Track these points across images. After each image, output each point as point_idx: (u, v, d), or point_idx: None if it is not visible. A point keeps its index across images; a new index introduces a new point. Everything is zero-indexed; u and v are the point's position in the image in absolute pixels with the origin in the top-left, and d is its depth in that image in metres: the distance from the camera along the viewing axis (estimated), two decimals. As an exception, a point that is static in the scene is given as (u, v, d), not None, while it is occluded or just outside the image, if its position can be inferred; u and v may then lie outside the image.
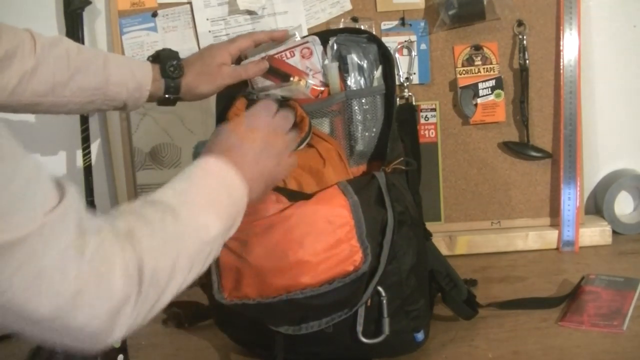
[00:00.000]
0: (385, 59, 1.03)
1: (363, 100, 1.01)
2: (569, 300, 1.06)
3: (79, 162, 1.35)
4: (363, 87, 1.01)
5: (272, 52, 1.05)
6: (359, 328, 0.89)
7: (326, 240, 0.85)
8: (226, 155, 0.78)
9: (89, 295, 0.62)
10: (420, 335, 0.93)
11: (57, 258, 0.60)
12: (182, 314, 1.09)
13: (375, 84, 1.02)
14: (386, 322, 0.89)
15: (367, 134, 1.02)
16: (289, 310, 0.86)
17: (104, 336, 0.65)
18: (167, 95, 1.03)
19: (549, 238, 1.31)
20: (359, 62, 1.01)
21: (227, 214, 0.76)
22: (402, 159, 0.98)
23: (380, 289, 0.89)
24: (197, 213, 0.73)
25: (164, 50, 1.06)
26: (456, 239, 1.31)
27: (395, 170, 0.96)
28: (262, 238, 0.85)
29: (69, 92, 0.97)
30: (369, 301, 0.89)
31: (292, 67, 1.03)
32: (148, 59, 1.06)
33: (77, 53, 0.99)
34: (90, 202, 1.34)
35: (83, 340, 0.65)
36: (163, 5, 1.34)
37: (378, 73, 1.02)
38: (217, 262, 0.88)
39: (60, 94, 0.97)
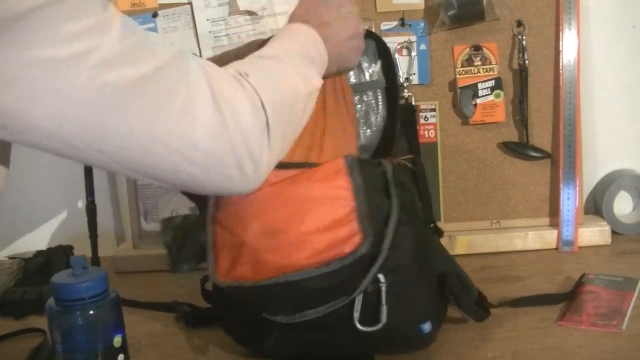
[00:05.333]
0: (383, 54, 1.03)
1: (363, 96, 1.01)
2: (568, 300, 1.07)
3: (80, 162, 1.35)
4: (362, 81, 1.02)
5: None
6: (356, 314, 0.87)
7: (325, 219, 0.83)
8: (307, 22, 0.87)
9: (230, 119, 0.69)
10: (426, 326, 0.91)
11: (192, 87, 0.67)
12: (190, 313, 1.09)
13: (375, 78, 1.02)
14: (384, 309, 0.87)
15: (368, 129, 1.02)
16: (286, 294, 0.84)
17: (251, 165, 0.71)
18: None
19: (549, 238, 1.31)
20: None
21: (320, 69, 0.84)
22: (410, 156, 0.97)
23: (379, 276, 0.87)
24: (299, 63, 0.81)
25: None
26: (456, 239, 1.31)
27: (400, 165, 0.95)
28: (258, 214, 0.84)
29: None
30: (369, 287, 0.87)
31: None
32: None
33: None
34: (91, 202, 1.34)
35: (233, 172, 0.71)
36: (163, 6, 1.34)
37: (377, 67, 1.02)
38: (212, 241, 0.87)
39: None
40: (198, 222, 0.88)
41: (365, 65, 1.02)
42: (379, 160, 0.92)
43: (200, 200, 0.91)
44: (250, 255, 0.84)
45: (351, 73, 1.01)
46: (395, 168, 0.91)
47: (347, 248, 0.83)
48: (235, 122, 0.69)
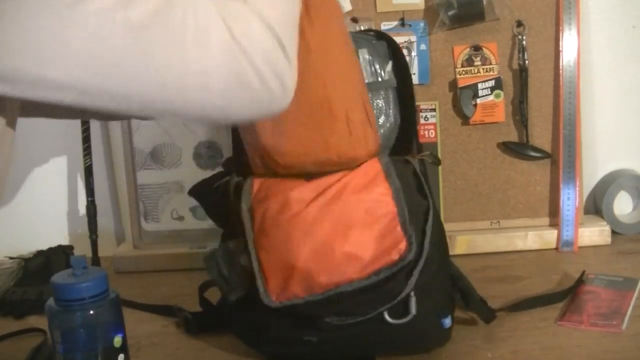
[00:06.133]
0: (394, 55, 1.04)
1: (376, 95, 1.01)
2: (568, 300, 1.07)
3: (80, 162, 1.35)
4: (375, 81, 1.02)
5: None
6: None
7: (370, 231, 0.85)
8: None
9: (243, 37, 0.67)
10: (447, 321, 0.92)
11: (202, 15, 0.65)
12: (192, 320, 1.08)
13: (387, 77, 1.02)
14: (413, 301, 0.88)
15: (381, 128, 1.02)
16: (338, 304, 0.86)
17: (276, 81, 0.69)
18: None
19: (548, 238, 1.31)
20: (370, 57, 1.02)
21: None
22: (429, 152, 0.98)
23: None
24: None
25: None
26: (455, 238, 1.31)
27: (422, 162, 0.97)
28: (304, 236, 0.86)
29: None
30: None
31: None
32: None
33: None
34: (91, 202, 1.34)
35: (260, 91, 0.69)
36: (163, 6, 1.34)
37: (389, 67, 1.03)
38: (259, 267, 0.88)
39: None
40: (237, 249, 0.89)
41: (377, 64, 1.02)
42: (405, 157, 0.93)
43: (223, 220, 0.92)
44: (302, 276, 0.86)
45: (365, 73, 1.02)
46: (420, 165, 0.93)
47: (395, 255, 0.85)
48: (250, 43, 0.68)
